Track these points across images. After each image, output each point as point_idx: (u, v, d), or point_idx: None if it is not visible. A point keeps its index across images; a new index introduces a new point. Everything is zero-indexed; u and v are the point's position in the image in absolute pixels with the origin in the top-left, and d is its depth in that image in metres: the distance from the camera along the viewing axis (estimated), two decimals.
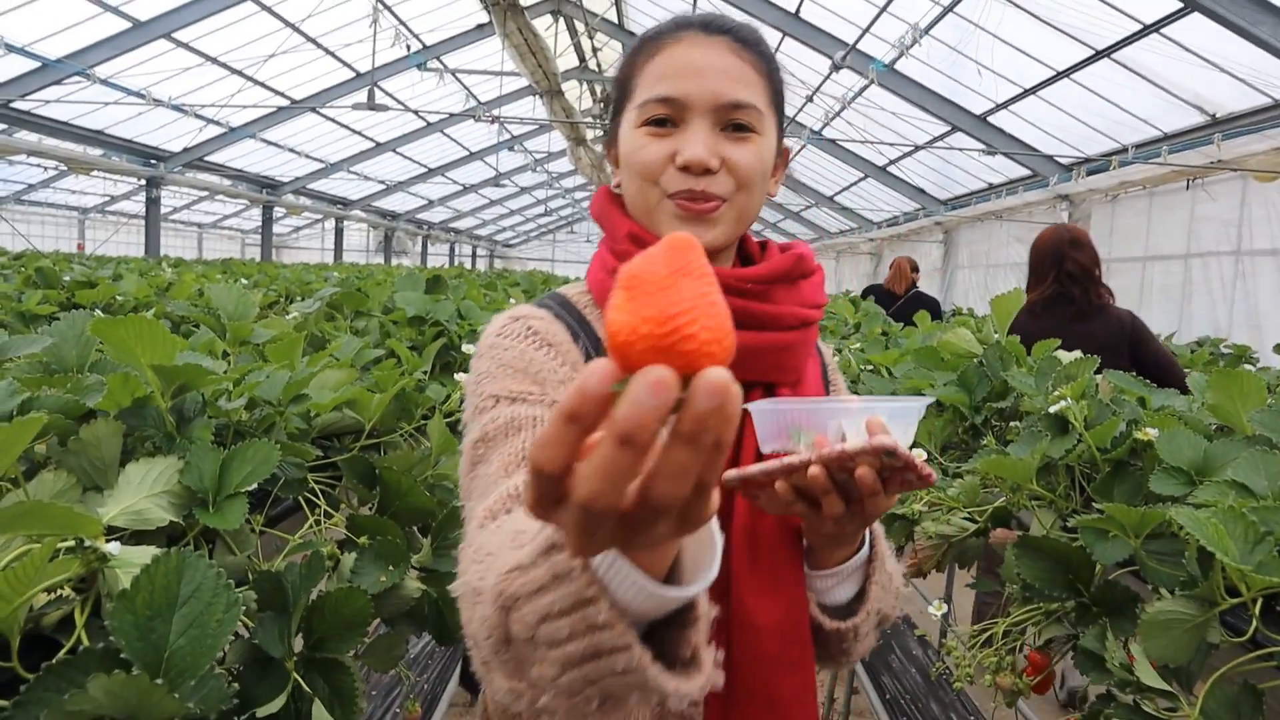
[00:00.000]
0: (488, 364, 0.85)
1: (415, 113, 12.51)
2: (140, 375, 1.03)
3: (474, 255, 33.59)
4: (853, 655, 0.91)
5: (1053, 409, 1.40)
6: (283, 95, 12.46)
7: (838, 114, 11.19)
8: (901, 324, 4.10)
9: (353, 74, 12.38)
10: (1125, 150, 8.08)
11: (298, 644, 0.93)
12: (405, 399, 1.58)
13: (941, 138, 10.56)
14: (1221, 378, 1.30)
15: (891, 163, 12.48)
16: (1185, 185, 7.47)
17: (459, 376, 1.85)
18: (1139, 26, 6.63)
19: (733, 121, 0.85)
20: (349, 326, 2.50)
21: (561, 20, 12.75)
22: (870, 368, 2.53)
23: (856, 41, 9.00)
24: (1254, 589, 0.89)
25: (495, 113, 12.20)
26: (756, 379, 0.91)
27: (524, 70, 10.48)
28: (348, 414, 1.45)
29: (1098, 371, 1.58)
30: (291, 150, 14.95)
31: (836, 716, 3.26)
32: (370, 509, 1.28)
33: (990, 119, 9.53)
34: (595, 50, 14.62)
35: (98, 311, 2.04)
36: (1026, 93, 8.59)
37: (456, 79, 13.47)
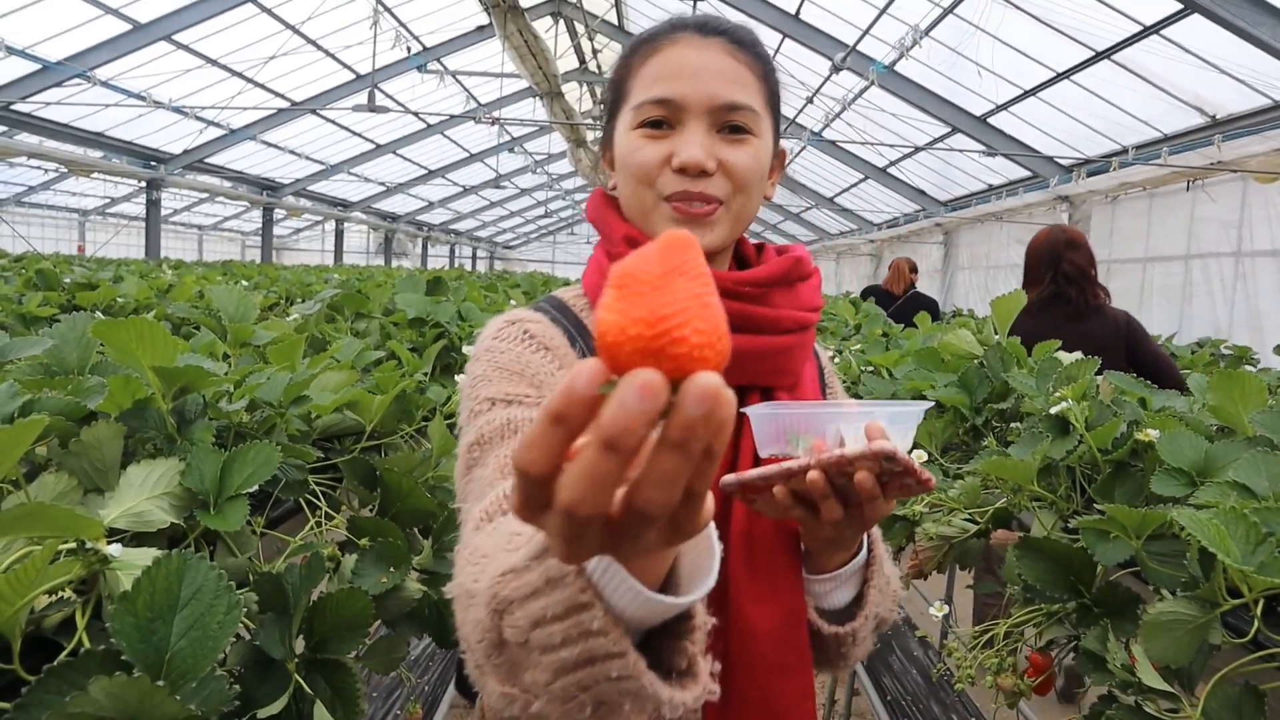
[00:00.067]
0: (484, 367, 0.85)
1: (415, 114, 12.53)
2: (141, 377, 1.03)
3: (474, 257, 33.61)
4: (851, 659, 0.91)
5: (1054, 410, 1.40)
6: (283, 97, 12.47)
7: (838, 115, 11.18)
8: (901, 325, 4.10)
9: (353, 76, 12.39)
10: (1125, 151, 8.08)
11: (299, 645, 0.93)
12: (406, 400, 1.58)
13: (941, 139, 10.56)
14: (1222, 379, 1.30)
15: (892, 164, 12.48)
16: (1185, 186, 7.47)
17: (460, 378, 1.85)
18: (1139, 28, 6.63)
19: (729, 123, 0.85)
20: (349, 328, 2.50)
21: (561, 22, 12.76)
22: (871, 369, 2.53)
23: (856, 43, 9.01)
24: (1255, 590, 0.89)
25: (495, 114, 12.22)
26: (754, 383, 0.91)
27: (524, 72, 10.49)
28: (348, 416, 1.45)
29: (1096, 372, 1.58)
30: (292, 152, 14.96)
31: (838, 718, 3.26)
32: (371, 511, 1.28)
33: (990, 120, 9.53)
34: (595, 52, 14.63)
35: (98, 313, 2.04)
36: (1026, 94, 8.59)
37: (457, 81, 13.48)
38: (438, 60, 12.53)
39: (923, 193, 12.85)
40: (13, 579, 0.67)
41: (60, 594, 0.78)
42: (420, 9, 11.06)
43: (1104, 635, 1.09)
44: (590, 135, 14.24)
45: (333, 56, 11.75)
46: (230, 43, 10.33)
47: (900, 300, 6.03)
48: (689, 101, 0.84)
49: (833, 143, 11.85)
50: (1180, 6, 5.90)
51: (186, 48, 10.12)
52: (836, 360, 2.82)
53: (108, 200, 18.12)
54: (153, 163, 13.03)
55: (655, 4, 11.79)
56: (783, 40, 9.91)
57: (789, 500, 0.75)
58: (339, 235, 21.16)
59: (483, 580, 0.51)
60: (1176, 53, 6.56)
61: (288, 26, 10.33)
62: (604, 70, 15.15)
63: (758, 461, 0.85)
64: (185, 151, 13.03)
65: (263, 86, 11.91)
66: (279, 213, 18.23)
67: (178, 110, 10.79)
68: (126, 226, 18.78)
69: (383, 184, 18.88)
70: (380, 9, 9.91)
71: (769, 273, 0.91)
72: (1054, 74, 8.00)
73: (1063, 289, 3.05)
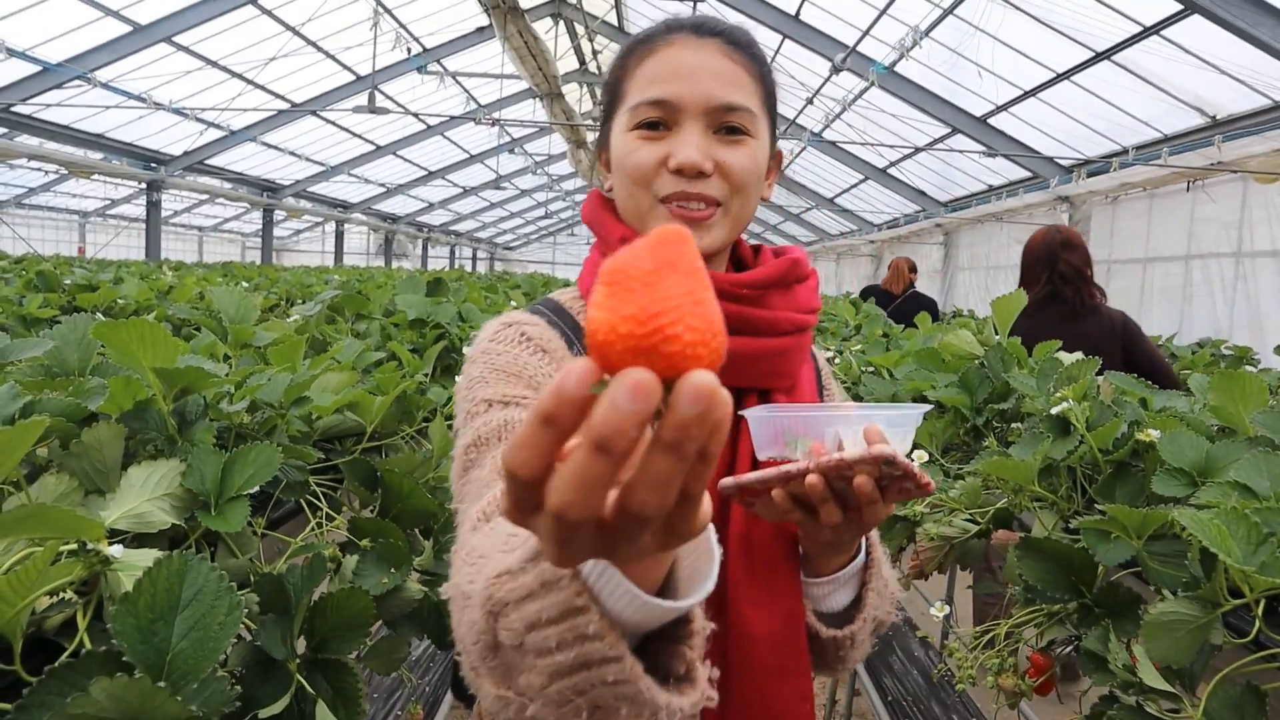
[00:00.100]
0: (480, 369, 0.84)
1: (415, 116, 12.54)
2: (142, 378, 1.03)
3: (474, 258, 33.62)
4: (849, 662, 0.91)
5: (1054, 410, 1.40)
6: (283, 98, 12.48)
7: (838, 116, 11.19)
8: (901, 325, 4.10)
9: (353, 77, 12.40)
10: (1125, 152, 8.09)
11: (300, 646, 0.93)
12: (407, 401, 1.58)
13: (942, 140, 10.56)
14: (1224, 379, 1.30)
15: (892, 165, 12.49)
16: (1186, 187, 7.47)
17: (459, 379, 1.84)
18: (1139, 28, 6.63)
19: (726, 124, 0.85)
20: (350, 329, 2.50)
21: (561, 23, 12.76)
22: (871, 369, 2.53)
23: (857, 44, 9.01)
24: (1257, 590, 0.89)
25: (495, 115, 12.22)
26: (751, 385, 0.90)
27: (524, 73, 10.49)
28: (349, 416, 1.45)
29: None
30: (292, 153, 14.97)
31: (839, 718, 3.26)
32: (372, 512, 1.28)
33: (990, 121, 9.53)
34: (595, 53, 14.64)
35: (99, 315, 2.04)
36: (1026, 94, 8.60)
37: (457, 82, 13.49)
38: (438, 61, 12.54)
39: (923, 193, 12.85)
40: (14, 580, 0.67)
41: (61, 595, 0.78)
42: (420, 10, 11.07)
43: (1105, 635, 1.09)
44: (590, 136, 14.24)
45: (333, 58, 11.75)
46: (231, 44, 10.33)
47: (899, 300, 6.03)
48: (685, 103, 0.83)
49: (833, 143, 11.85)
50: (1180, 7, 5.91)
51: (187, 49, 10.13)
52: (837, 361, 2.82)
53: (108, 202, 18.13)
54: (153, 164, 13.04)
55: (655, 5, 11.79)
56: (783, 41, 9.91)
57: (788, 504, 0.75)
58: (339, 236, 21.17)
59: (478, 581, 0.50)
60: (1177, 53, 6.56)
61: (288, 28, 10.34)
62: (604, 71, 15.15)
63: (756, 464, 0.85)
64: (185, 153, 13.04)
65: (263, 88, 11.92)
66: (279, 214, 18.24)
67: (178, 112, 10.80)
68: (127, 228, 18.79)
69: (383, 185, 18.88)
70: (380, 10, 9.92)
71: (766, 275, 0.90)
72: (1054, 74, 8.00)
73: (1059, 289, 3.07)
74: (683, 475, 0.35)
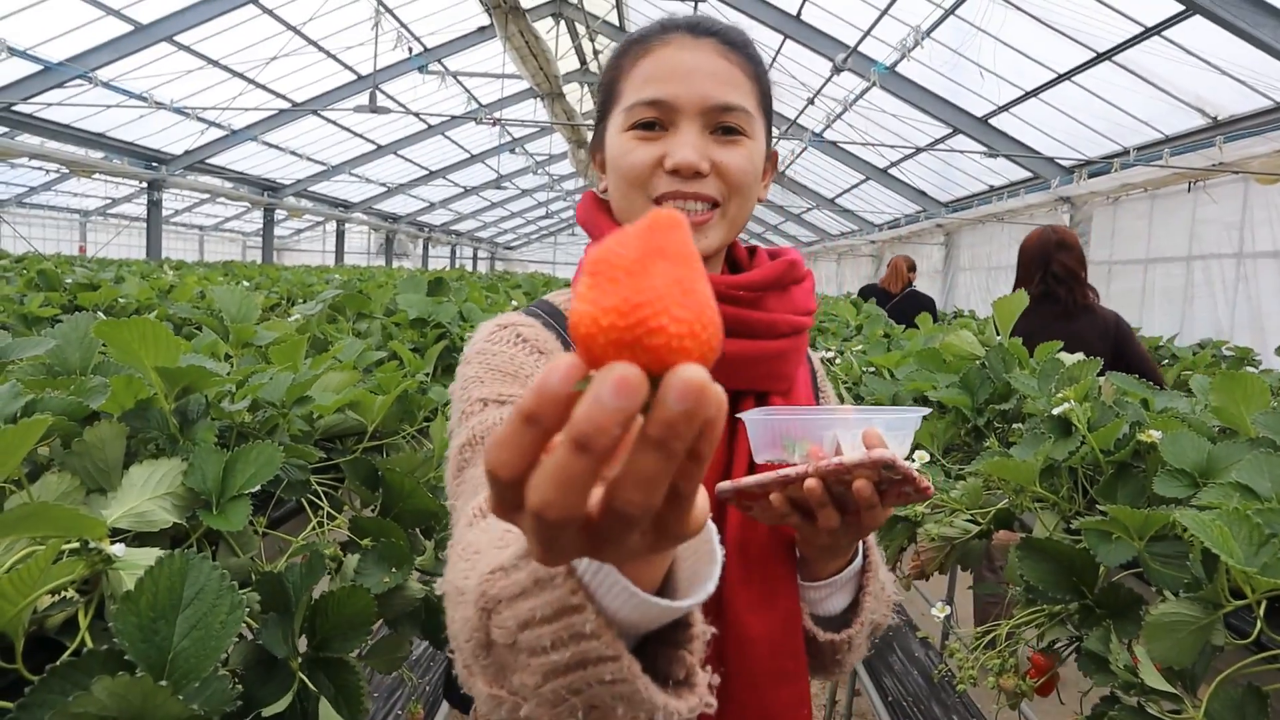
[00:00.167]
0: (476, 369, 0.84)
1: (416, 115, 12.55)
2: (144, 377, 1.03)
3: (475, 258, 33.62)
4: (846, 665, 0.91)
5: (1056, 411, 1.40)
6: (284, 98, 12.48)
7: (839, 116, 11.19)
8: (902, 325, 4.10)
9: (354, 77, 12.41)
10: (1127, 152, 8.09)
11: (302, 645, 0.93)
12: (408, 401, 1.58)
13: (943, 140, 10.56)
14: (1225, 380, 1.30)
15: (893, 165, 12.49)
16: (1187, 188, 7.47)
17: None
18: (1140, 29, 6.63)
19: (722, 124, 0.84)
20: (351, 329, 2.50)
21: (562, 23, 12.76)
22: (872, 369, 2.53)
23: (858, 44, 9.01)
24: (1259, 591, 0.89)
25: (496, 115, 12.22)
26: (748, 388, 0.90)
27: (525, 73, 10.49)
28: (350, 416, 1.45)
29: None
30: (293, 153, 14.97)
31: (839, 718, 3.26)
32: (373, 511, 1.28)
33: (991, 121, 9.53)
34: (596, 53, 14.64)
35: (100, 314, 2.04)
36: (1028, 95, 8.60)
37: (458, 81, 13.49)
38: (439, 61, 12.54)
39: (924, 194, 12.85)
40: (16, 579, 0.67)
41: (63, 594, 0.78)
42: (421, 10, 11.07)
43: (1106, 636, 1.09)
44: (591, 136, 14.23)
45: (334, 57, 11.76)
46: (232, 44, 10.34)
47: (897, 299, 6.02)
48: (681, 103, 0.83)
49: (834, 144, 11.85)
50: (1181, 8, 5.91)
51: (188, 49, 10.13)
52: (838, 361, 2.82)
53: (109, 201, 18.14)
54: (154, 163, 13.05)
55: (656, 5, 11.79)
56: (784, 41, 9.91)
57: (786, 507, 0.75)
58: (340, 236, 21.17)
59: (472, 577, 0.50)
60: (1178, 54, 6.56)
61: (289, 27, 10.34)
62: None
63: (753, 468, 0.85)
64: (186, 152, 13.04)
65: (264, 87, 11.93)
66: (280, 213, 18.25)
67: (179, 111, 10.80)
68: (128, 227, 18.81)
69: (384, 185, 18.89)
70: (382, 10, 9.92)
71: (763, 276, 0.90)
72: (1055, 75, 8.00)
73: (1052, 288, 3.11)
74: (670, 474, 0.34)
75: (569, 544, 0.37)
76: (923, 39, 8.07)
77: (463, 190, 21.38)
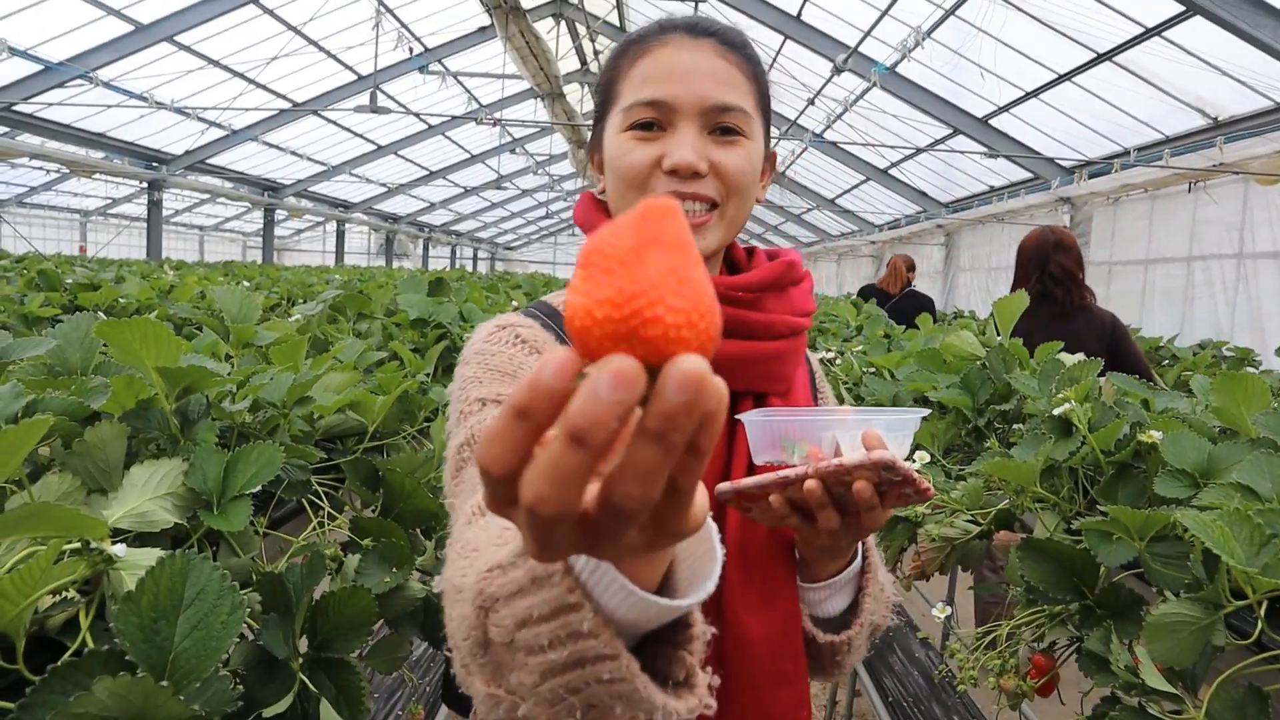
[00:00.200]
0: (475, 369, 0.84)
1: (417, 115, 12.55)
2: (145, 377, 1.04)
3: (475, 258, 33.63)
4: (845, 667, 0.91)
5: (1056, 411, 1.40)
6: (285, 98, 12.49)
7: (839, 117, 11.19)
8: (902, 326, 4.10)
9: (355, 77, 12.41)
10: (1127, 153, 8.09)
11: (303, 645, 0.93)
12: (408, 401, 1.58)
13: (943, 140, 10.57)
14: (1226, 381, 1.30)
15: (893, 165, 12.49)
16: (1187, 188, 7.47)
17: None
18: (1140, 29, 6.63)
19: (720, 125, 0.84)
20: (351, 329, 2.50)
21: (563, 23, 12.77)
22: (872, 370, 2.53)
23: (858, 45, 9.01)
24: (1260, 591, 0.89)
25: (497, 115, 12.23)
26: (747, 389, 0.90)
27: (525, 73, 10.49)
28: (351, 416, 1.45)
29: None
30: (293, 153, 14.98)
31: (839, 719, 3.26)
32: (373, 511, 1.28)
33: (992, 122, 9.53)
34: (597, 53, 14.64)
35: (100, 314, 2.04)
36: (1028, 95, 8.60)
37: (458, 82, 13.49)
38: (439, 61, 12.55)
39: (924, 194, 12.85)
40: (17, 579, 0.67)
41: (64, 594, 0.78)
42: (422, 10, 11.08)
43: (1107, 636, 1.09)
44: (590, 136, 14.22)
45: (334, 58, 11.76)
46: (232, 44, 10.34)
47: (896, 299, 6.02)
48: (680, 103, 0.83)
49: (834, 144, 11.86)
50: (1182, 8, 5.91)
51: (188, 49, 10.13)
52: (838, 362, 2.82)
53: (109, 201, 18.14)
54: (154, 163, 13.05)
55: (657, 5, 11.79)
56: (784, 42, 9.91)
57: (786, 509, 0.75)
58: (340, 236, 21.17)
59: (470, 575, 0.49)
60: (1178, 54, 6.56)
61: (289, 28, 10.35)
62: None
63: (752, 469, 0.85)
64: (187, 152, 13.05)
65: (264, 87, 11.93)
66: (280, 214, 18.25)
67: (179, 111, 10.80)
68: (128, 227, 18.82)
69: (384, 185, 18.89)
70: (382, 10, 9.92)
71: (761, 277, 0.90)
72: (1055, 76, 8.00)
73: (1049, 289, 3.14)
74: (669, 468, 0.33)
75: (564, 540, 0.36)
76: (923, 39, 8.08)
77: (463, 190, 21.38)
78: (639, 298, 0.32)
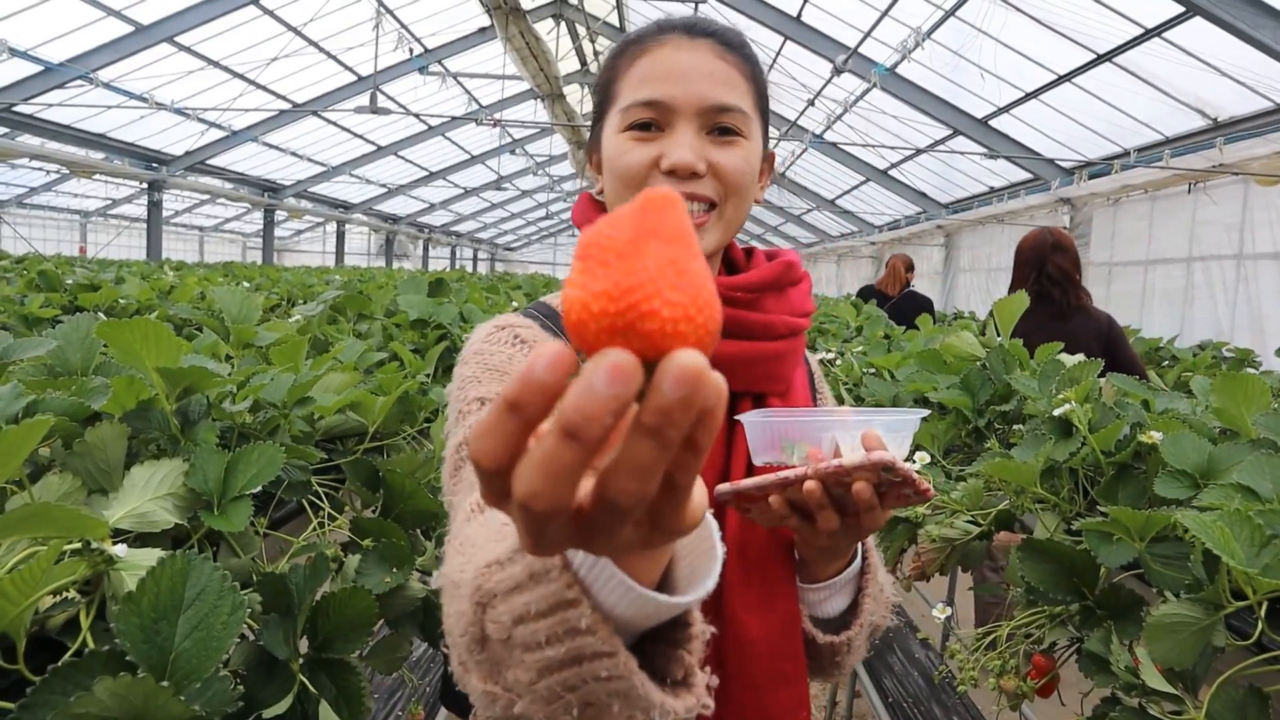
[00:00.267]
0: (474, 368, 0.84)
1: (417, 116, 12.54)
2: (145, 378, 1.03)
3: (475, 259, 33.63)
4: (845, 667, 0.91)
5: (1056, 412, 1.40)
6: (285, 99, 12.49)
7: (839, 117, 11.19)
8: (901, 327, 4.10)
9: (355, 78, 12.41)
10: (1127, 154, 8.09)
11: (303, 646, 0.93)
12: (408, 402, 1.58)
13: (943, 141, 10.57)
14: (1226, 381, 1.30)
15: (893, 166, 12.49)
16: (1187, 189, 7.47)
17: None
18: (1140, 30, 6.64)
19: (719, 125, 0.84)
20: (352, 329, 2.50)
21: (563, 24, 12.77)
22: (873, 371, 2.53)
23: (858, 45, 9.01)
24: (1260, 592, 0.89)
25: (497, 116, 12.23)
26: (746, 389, 0.90)
27: (525, 74, 10.50)
28: (351, 417, 1.45)
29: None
30: (293, 154, 14.99)
31: (839, 719, 3.26)
32: (374, 512, 1.28)
33: (992, 122, 9.54)
34: (597, 54, 14.64)
35: (100, 315, 2.04)
36: (1028, 96, 8.60)
37: (458, 83, 13.50)
38: (439, 62, 12.55)
39: (924, 195, 12.85)
40: (18, 579, 0.67)
41: (65, 594, 0.78)
42: (422, 11, 11.08)
43: (1107, 637, 1.09)
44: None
45: (334, 58, 11.76)
46: (232, 44, 10.35)
47: (895, 300, 6.02)
48: (678, 103, 0.83)
49: (834, 145, 11.86)
50: (1182, 9, 5.91)
51: (189, 49, 10.14)
52: (839, 362, 2.82)
53: (109, 202, 18.14)
54: (154, 164, 13.05)
55: (657, 6, 11.80)
56: (784, 42, 9.91)
57: (785, 510, 0.75)
58: (340, 237, 21.18)
59: (468, 571, 0.49)
60: (1178, 55, 6.56)
61: (290, 28, 10.35)
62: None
63: (751, 470, 0.85)
64: (187, 153, 13.05)
65: (264, 88, 11.93)
66: (280, 214, 18.25)
67: (179, 112, 10.81)
68: (128, 228, 18.82)
69: (384, 186, 18.90)
70: (382, 11, 9.92)
71: (760, 277, 0.90)
72: (1055, 76, 8.00)
73: (1046, 289, 3.16)
74: (665, 463, 0.33)
75: (558, 534, 0.36)
76: (923, 40, 8.08)
77: (463, 191, 21.38)
78: (635, 291, 0.32)
